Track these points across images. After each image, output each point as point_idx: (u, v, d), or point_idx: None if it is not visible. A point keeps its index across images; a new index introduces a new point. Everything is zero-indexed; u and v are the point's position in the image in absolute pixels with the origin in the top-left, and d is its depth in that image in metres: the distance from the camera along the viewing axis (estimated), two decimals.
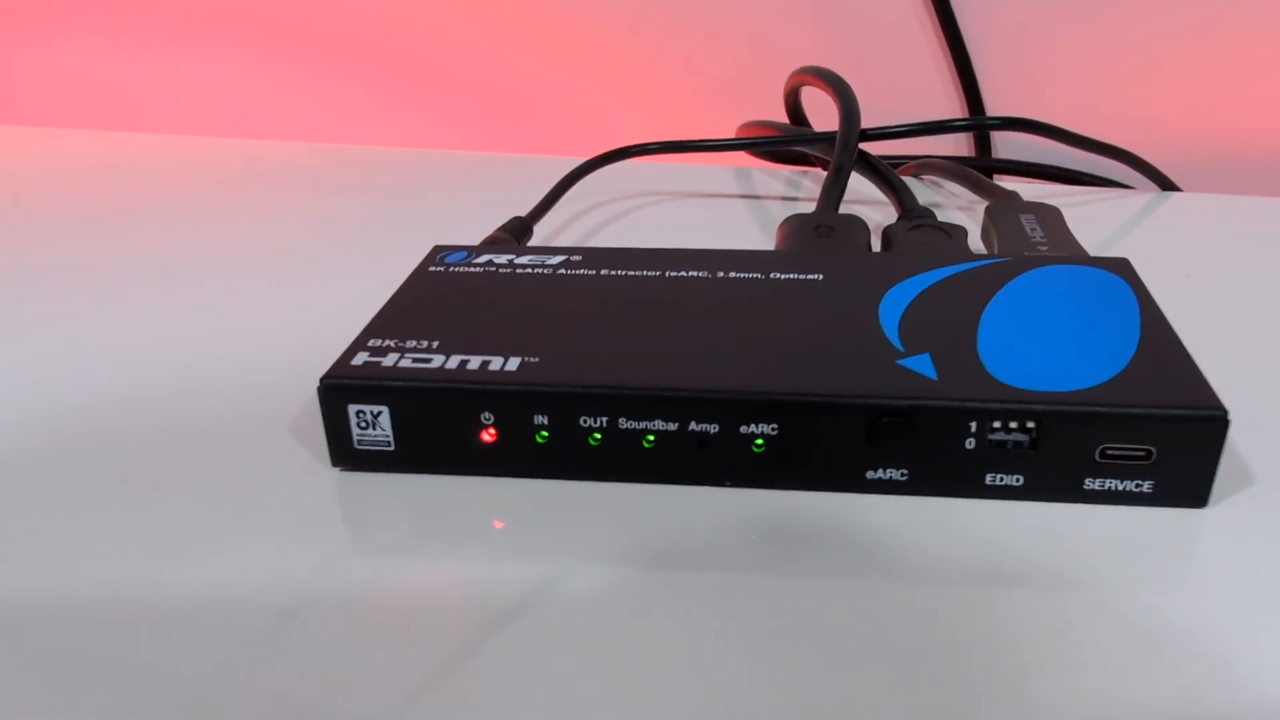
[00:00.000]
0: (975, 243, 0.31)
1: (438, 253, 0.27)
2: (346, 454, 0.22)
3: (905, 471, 0.21)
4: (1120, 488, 0.20)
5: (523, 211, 0.33)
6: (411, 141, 0.54)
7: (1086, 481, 0.20)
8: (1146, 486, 0.20)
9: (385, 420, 0.22)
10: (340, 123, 0.56)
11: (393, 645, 0.18)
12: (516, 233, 0.31)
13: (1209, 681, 0.16)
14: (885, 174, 0.33)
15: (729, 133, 0.43)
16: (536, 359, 0.22)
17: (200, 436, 0.24)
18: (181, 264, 0.34)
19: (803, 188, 0.41)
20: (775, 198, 0.40)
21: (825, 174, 0.40)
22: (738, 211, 0.39)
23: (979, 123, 0.43)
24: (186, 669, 0.17)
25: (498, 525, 0.21)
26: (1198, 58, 0.43)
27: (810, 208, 0.32)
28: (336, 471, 0.22)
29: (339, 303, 0.30)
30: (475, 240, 0.30)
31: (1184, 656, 0.17)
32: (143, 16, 0.55)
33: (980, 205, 0.36)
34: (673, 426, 0.21)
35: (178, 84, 0.57)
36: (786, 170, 0.44)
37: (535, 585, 0.19)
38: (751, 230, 0.37)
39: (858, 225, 0.30)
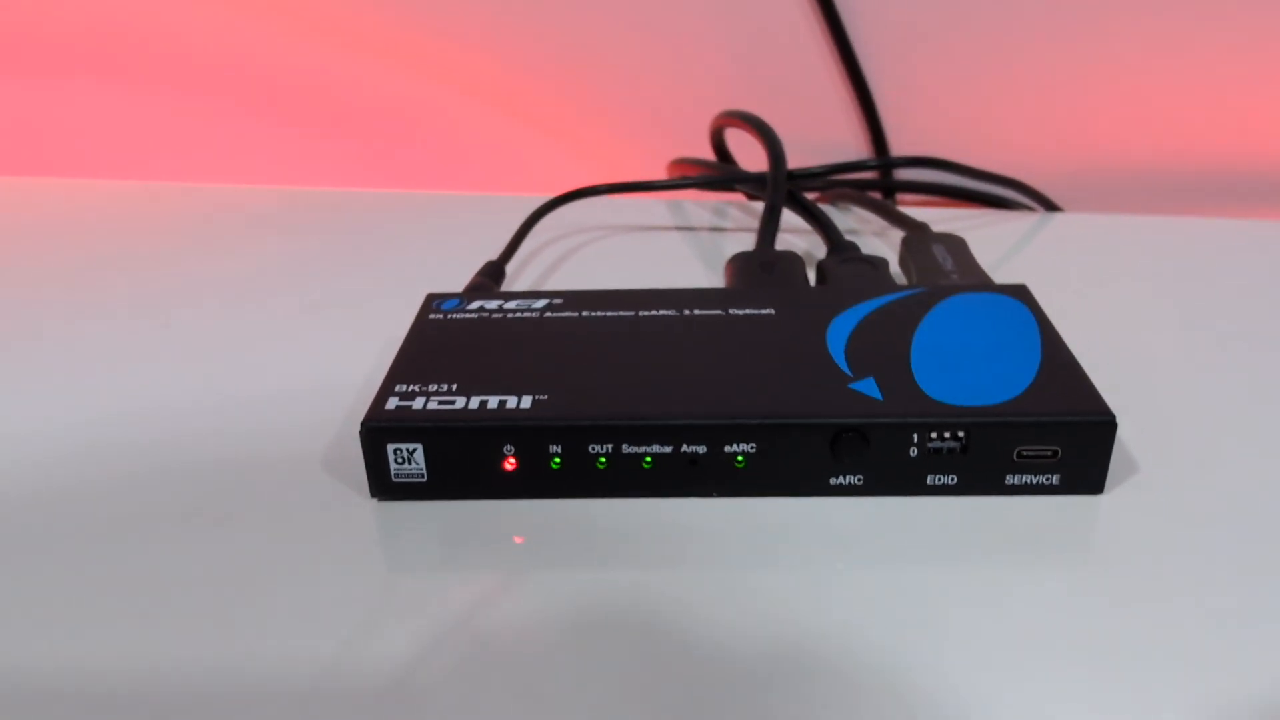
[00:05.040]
0: (894, 268, 0.36)
1: (433, 300, 0.31)
2: (385, 486, 0.25)
3: (861, 477, 0.25)
4: (1034, 481, 0.25)
5: (488, 248, 0.36)
6: (347, 184, 0.57)
7: (1008, 478, 0.25)
8: (1055, 479, 0.25)
9: (419, 456, 0.25)
10: (271, 167, 0.58)
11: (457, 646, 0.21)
12: (493, 275, 0.34)
13: (1120, 621, 0.21)
14: (813, 211, 0.37)
15: (654, 167, 0.47)
16: (546, 396, 0.25)
17: (244, 477, 0.27)
18: (179, 313, 0.36)
19: (729, 216, 0.46)
20: (706, 228, 0.44)
21: (748, 201, 0.45)
22: (675, 240, 0.43)
23: (889, 161, 0.48)
24: (289, 644, 0.20)
25: (518, 540, 0.25)
26: (1072, 88, 0.49)
27: (738, 234, 0.36)
28: (375, 502, 0.26)
29: (335, 343, 0.33)
30: (448, 276, 0.34)
31: (1095, 605, 0.22)
32: (56, 60, 0.56)
33: (890, 231, 0.40)
34: (668, 449, 0.25)
35: (92, 129, 0.58)
36: (713, 200, 0.48)
37: (555, 588, 0.23)
38: (689, 257, 0.41)
39: (796, 261, 0.34)
